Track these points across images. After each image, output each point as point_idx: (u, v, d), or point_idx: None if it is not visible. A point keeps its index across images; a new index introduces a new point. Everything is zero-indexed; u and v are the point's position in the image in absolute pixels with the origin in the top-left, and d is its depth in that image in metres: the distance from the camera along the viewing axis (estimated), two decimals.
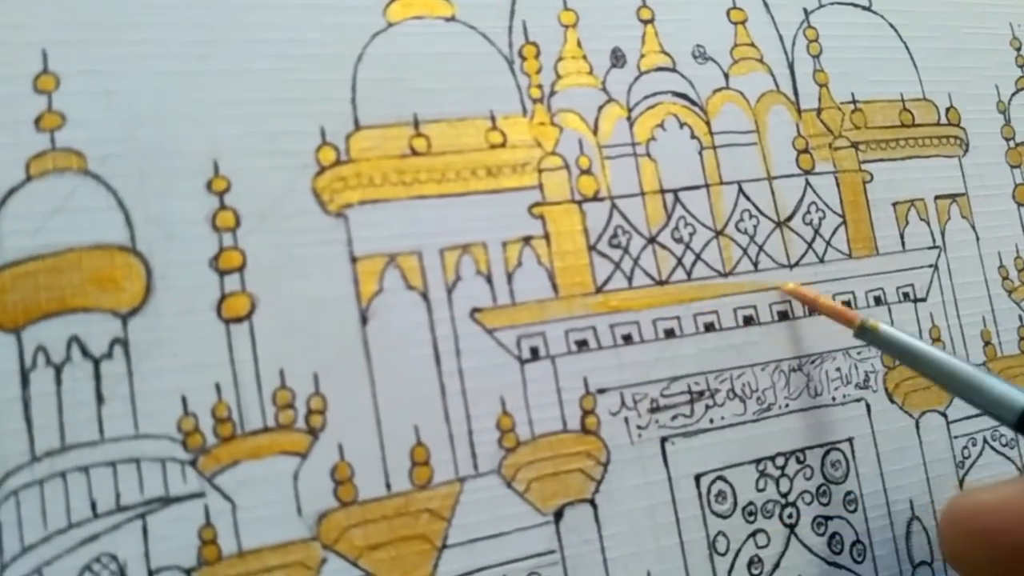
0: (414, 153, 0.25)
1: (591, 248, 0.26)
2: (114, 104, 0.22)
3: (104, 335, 0.21)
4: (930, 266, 0.30)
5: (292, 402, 0.22)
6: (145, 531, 0.21)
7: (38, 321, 0.21)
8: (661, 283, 0.27)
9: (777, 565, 0.26)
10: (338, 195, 0.24)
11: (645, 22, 0.28)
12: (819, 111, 0.30)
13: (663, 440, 0.26)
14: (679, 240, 0.27)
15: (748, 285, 0.28)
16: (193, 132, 0.23)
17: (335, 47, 0.25)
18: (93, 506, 0.21)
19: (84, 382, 0.21)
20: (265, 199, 0.23)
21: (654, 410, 0.26)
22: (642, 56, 0.28)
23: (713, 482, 0.26)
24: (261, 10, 0.24)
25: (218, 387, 0.22)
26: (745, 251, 0.28)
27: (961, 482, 0.29)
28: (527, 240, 0.26)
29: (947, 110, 0.32)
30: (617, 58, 0.28)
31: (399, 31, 0.25)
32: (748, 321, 0.27)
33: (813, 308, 0.28)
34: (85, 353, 0.21)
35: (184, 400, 0.22)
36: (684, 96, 0.28)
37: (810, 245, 0.29)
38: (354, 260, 0.24)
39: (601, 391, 0.25)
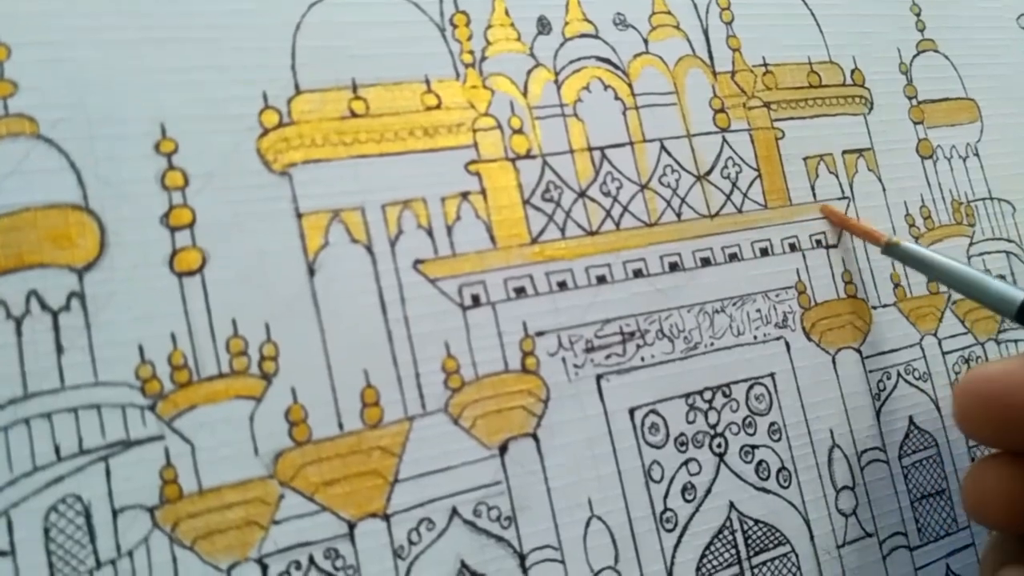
0: (353, 115, 0.26)
1: (525, 202, 0.28)
2: (64, 72, 0.23)
3: (61, 289, 0.22)
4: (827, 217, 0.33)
5: (245, 349, 0.24)
6: (108, 472, 0.22)
7: None
8: (592, 234, 0.28)
9: (709, 491, 0.28)
10: (282, 155, 0.25)
11: None
12: (733, 73, 0.32)
13: (598, 377, 0.27)
14: (607, 194, 0.29)
15: (669, 231, 0.30)
16: (140, 97, 0.24)
17: (274, 17, 0.26)
18: (57, 450, 0.21)
19: (44, 333, 0.22)
20: (212, 160, 0.24)
21: (589, 350, 0.27)
22: (566, 23, 0.30)
23: (646, 415, 0.28)
24: None
25: (173, 336, 0.23)
26: (668, 203, 0.30)
27: (878, 413, 0.32)
28: (465, 195, 0.27)
29: (852, 72, 0.35)
30: (543, 25, 0.29)
31: (335, 1, 0.27)
32: (673, 267, 0.29)
33: (843, 227, 0.32)
34: (44, 306, 0.22)
35: (141, 349, 0.23)
36: (607, 60, 0.30)
37: (728, 197, 0.31)
38: (299, 216, 0.25)
39: (539, 334, 0.27)
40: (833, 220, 0.32)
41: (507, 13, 0.29)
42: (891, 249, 0.30)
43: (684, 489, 0.28)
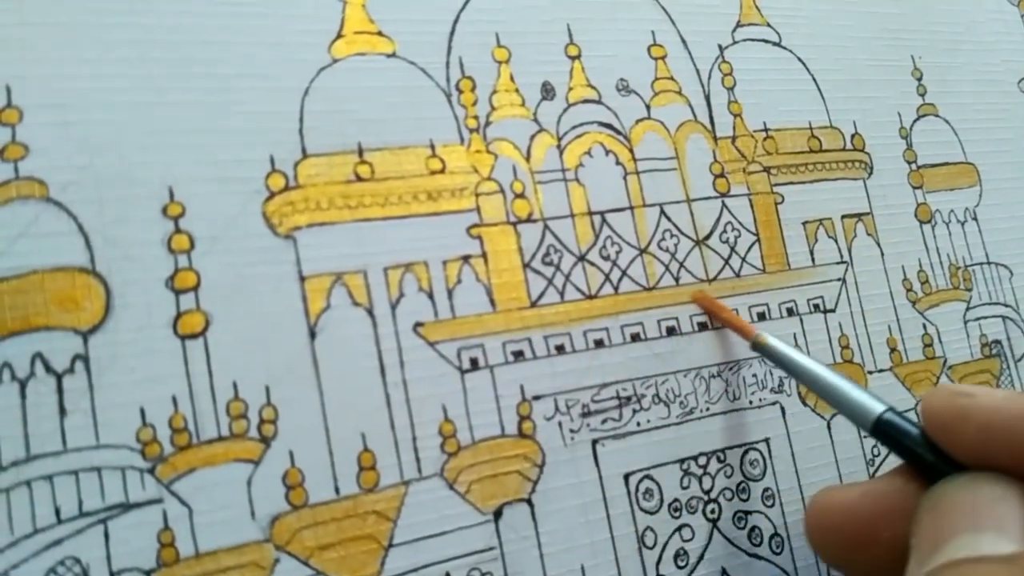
0: (359, 179, 0.27)
1: (526, 266, 0.28)
2: (74, 135, 0.24)
3: (66, 352, 0.23)
4: (838, 280, 0.33)
5: (245, 412, 0.24)
6: (106, 535, 0.22)
7: (3, 339, 0.22)
8: (591, 297, 0.29)
9: (701, 557, 0.28)
10: (287, 218, 0.26)
11: (572, 58, 0.31)
12: (734, 139, 0.33)
13: (594, 442, 0.28)
14: (606, 258, 0.29)
15: (667, 296, 0.30)
16: (149, 161, 0.24)
17: (283, 81, 0.26)
18: (57, 512, 0.22)
19: (47, 396, 0.22)
20: (218, 223, 0.25)
21: (586, 415, 0.28)
22: (570, 89, 0.30)
23: (641, 481, 0.28)
24: (213, 46, 0.26)
25: (174, 399, 0.23)
26: (667, 267, 0.30)
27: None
28: (466, 259, 0.27)
29: (852, 136, 0.35)
30: (547, 91, 0.30)
31: (343, 66, 0.27)
32: (671, 331, 0.30)
33: (715, 317, 0.30)
34: (48, 369, 0.22)
35: (142, 412, 0.23)
36: (609, 126, 0.31)
37: (727, 261, 0.31)
38: (303, 279, 0.25)
39: (536, 398, 0.27)
40: (705, 308, 0.30)
41: (512, 79, 0.29)
42: (758, 346, 0.28)
43: (677, 555, 0.28)
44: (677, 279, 0.30)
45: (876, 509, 0.23)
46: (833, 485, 0.25)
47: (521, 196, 0.29)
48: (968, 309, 0.36)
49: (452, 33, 0.29)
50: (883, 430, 0.24)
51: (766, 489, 0.30)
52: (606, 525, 0.27)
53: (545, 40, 0.30)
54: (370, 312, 0.26)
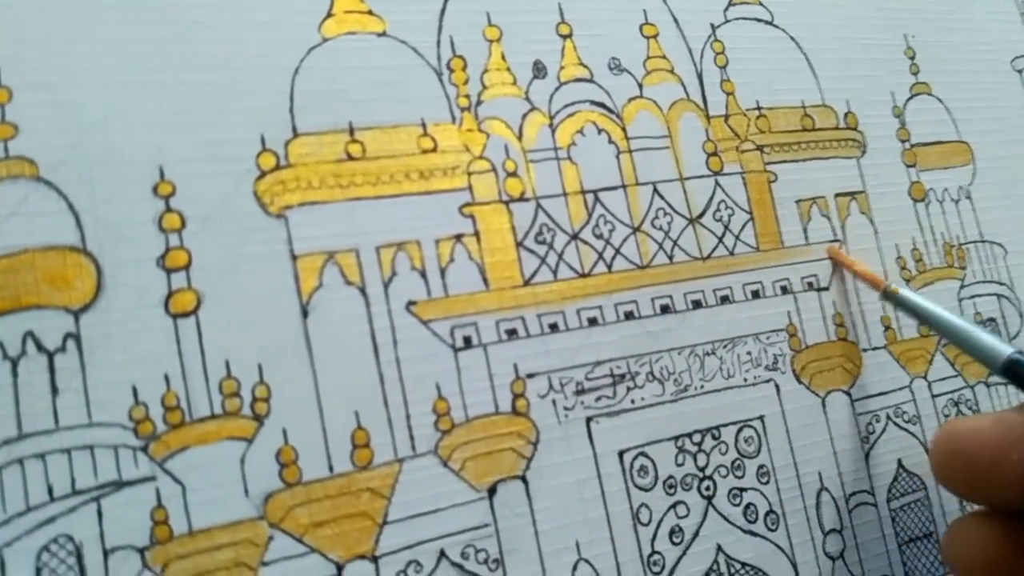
0: (350, 158, 0.27)
1: (519, 244, 0.28)
2: (64, 115, 0.24)
3: (57, 330, 0.23)
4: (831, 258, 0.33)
5: (238, 391, 0.24)
6: (100, 513, 0.22)
7: None
8: (584, 276, 0.29)
9: (696, 534, 0.28)
10: (278, 197, 0.25)
11: (564, 37, 0.31)
12: (726, 117, 0.32)
13: (588, 420, 0.28)
14: (600, 236, 0.29)
15: (661, 274, 0.30)
16: (139, 140, 0.24)
17: (274, 60, 0.26)
18: (50, 490, 0.22)
19: (39, 374, 0.22)
20: (209, 202, 0.25)
21: (579, 392, 0.28)
22: (562, 68, 0.30)
23: (635, 458, 0.28)
24: (204, 26, 0.26)
25: (167, 378, 0.23)
26: (660, 245, 0.30)
27: (867, 456, 0.32)
28: (459, 237, 0.27)
29: (846, 115, 0.35)
30: (539, 70, 0.30)
31: (334, 46, 0.27)
32: (665, 309, 0.30)
33: (847, 269, 0.33)
34: (40, 347, 0.22)
35: (135, 390, 0.23)
36: (601, 104, 0.30)
37: (720, 240, 0.31)
38: (294, 258, 0.25)
39: (530, 376, 0.27)
40: (837, 261, 0.33)
41: (503, 57, 0.29)
42: (889, 295, 0.31)
43: (672, 532, 0.28)
44: (671, 257, 0.30)
45: (1007, 435, 0.25)
46: (960, 417, 0.30)
47: (513, 175, 0.28)
48: (962, 287, 0.36)
49: (443, 12, 0.29)
50: (1012, 368, 0.27)
51: (761, 466, 0.30)
52: (601, 502, 0.27)
53: (536, 19, 0.30)
54: (363, 291, 0.26)
